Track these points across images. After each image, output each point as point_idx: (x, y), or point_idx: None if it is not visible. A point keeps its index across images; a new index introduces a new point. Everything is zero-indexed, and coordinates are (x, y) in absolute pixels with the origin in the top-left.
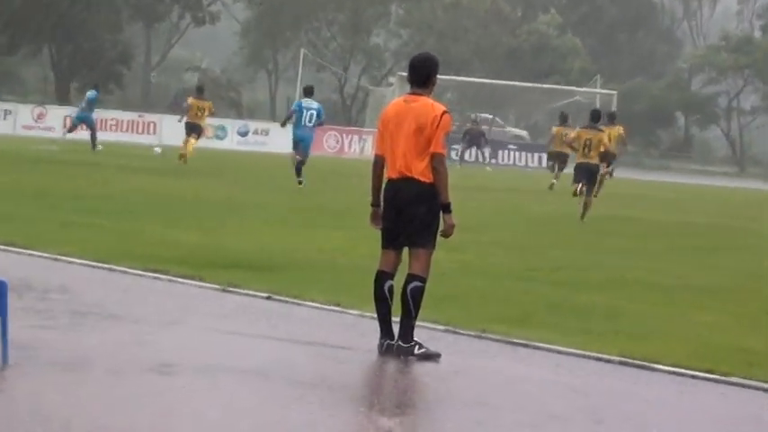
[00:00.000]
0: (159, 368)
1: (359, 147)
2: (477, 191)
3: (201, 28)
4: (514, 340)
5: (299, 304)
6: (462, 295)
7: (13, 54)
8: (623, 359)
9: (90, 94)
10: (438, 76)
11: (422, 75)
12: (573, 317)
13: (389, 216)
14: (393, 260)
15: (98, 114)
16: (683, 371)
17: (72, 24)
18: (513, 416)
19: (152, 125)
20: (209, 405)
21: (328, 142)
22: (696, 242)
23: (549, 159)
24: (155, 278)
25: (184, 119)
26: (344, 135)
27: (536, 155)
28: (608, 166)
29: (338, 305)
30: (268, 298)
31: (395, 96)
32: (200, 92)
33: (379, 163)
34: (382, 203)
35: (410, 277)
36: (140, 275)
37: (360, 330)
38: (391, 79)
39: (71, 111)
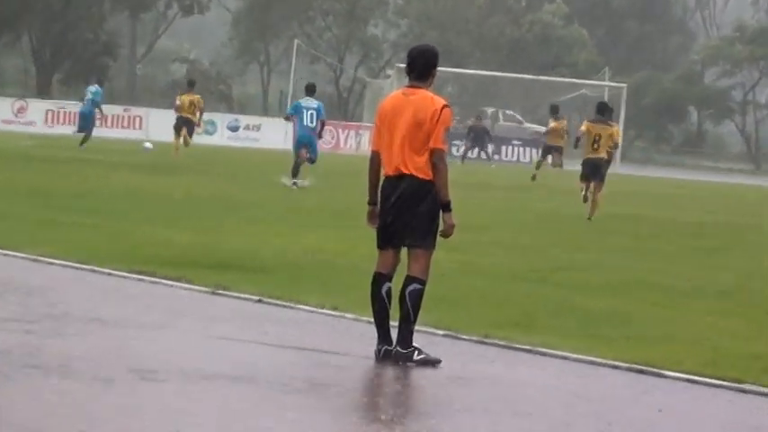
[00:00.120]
0: (144, 374)
1: (355, 142)
2: (479, 188)
3: (190, 18)
4: (517, 345)
5: (291, 308)
6: (463, 298)
7: None
8: (630, 365)
9: (94, 89)
10: (438, 68)
11: (421, 67)
12: (577, 320)
13: (387, 215)
14: (391, 261)
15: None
16: (692, 377)
17: (54, 13)
18: (515, 424)
19: (138, 119)
20: (196, 412)
21: (323, 137)
22: (708, 242)
23: (544, 152)
24: (140, 280)
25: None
26: (340, 130)
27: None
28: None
29: (333, 309)
30: (259, 301)
31: (393, 89)
32: (190, 85)
33: (375, 159)
34: (379, 201)
35: (409, 279)
36: (125, 277)
37: (356, 335)
38: (389, 71)
39: (53, 104)
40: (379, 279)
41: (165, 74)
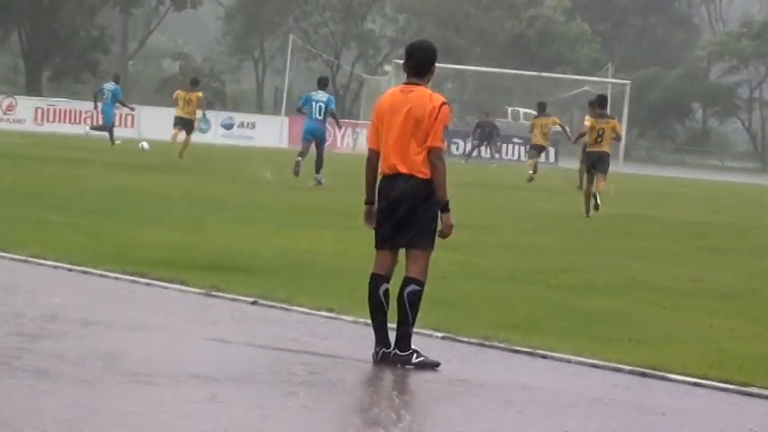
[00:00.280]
0: (136, 377)
1: (352, 140)
2: (479, 188)
3: (182, 13)
4: (517, 347)
5: (287, 309)
6: (462, 299)
7: None
8: (633, 367)
9: (112, 86)
10: (437, 65)
11: (419, 63)
12: (579, 322)
13: (385, 215)
14: (389, 262)
15: (71, 105)
16: (697, 380)
17: (43, 9)
18: (516, 427)
19: (130, 117)
20: (189, 417)
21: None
22: (712, 242)
23: (531, 150)
24: (133, 281)
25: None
26: (337, 127)
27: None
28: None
29: (330, 310)
30: (254, 303)
31: (391, 86)
32: (193, 84)
33: (373, 158)
34: (377, 201)
35: (407, 280)
36: (117, 278)
37: (353, 337)
38: (387, 67)
39: (42, 102)
40: (377, 280)
41: (157, 70)
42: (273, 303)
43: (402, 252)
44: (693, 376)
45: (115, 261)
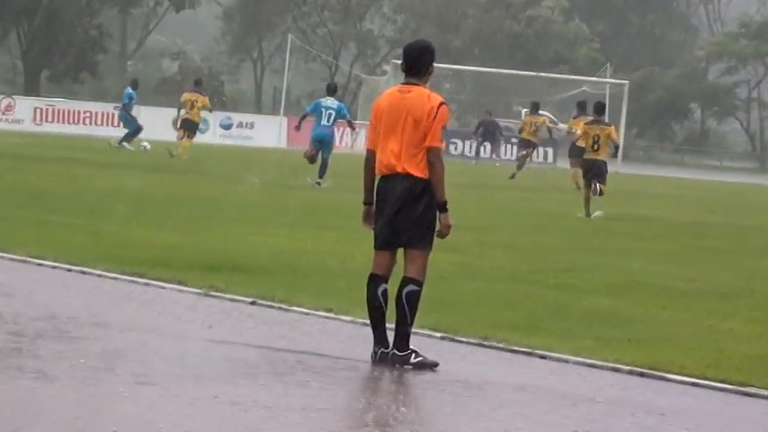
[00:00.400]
0: (135, 377)
1: (350, 140)
2: (479, 187)
3: (181, 13)
4: (516, 347)
5: (286, 310)
6: (461, 300)
7: None
8: (632, 367)
9: (128, 92)
10: (434, 65)
11: (417, 63)
12: (579, 323)
13: (383, 215)
14: (387, 262)
15: (69, 106)
16: (696, 380)
17: (42, 8)
18: (515, 428)
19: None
20: (188, 416)
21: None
22: (711, 243)
23: (520, 147)
24: (131, 281)
25: (182, 114)
26: (335, 128)
27: (540, 149)
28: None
29: (328, 311)
30: (253, 303)
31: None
32: (197, 84)
33: (371, 158)
34: (375, 201)
35: (405, 281)
36: (116, 278)
37: (352, 338)
38: (385, 67)
39: (41, 102)
40: (375, 280)
41: (156, 70)
42: (272, 303)
43: (400, 252)
44: (692, 376)
45: (114, 261)
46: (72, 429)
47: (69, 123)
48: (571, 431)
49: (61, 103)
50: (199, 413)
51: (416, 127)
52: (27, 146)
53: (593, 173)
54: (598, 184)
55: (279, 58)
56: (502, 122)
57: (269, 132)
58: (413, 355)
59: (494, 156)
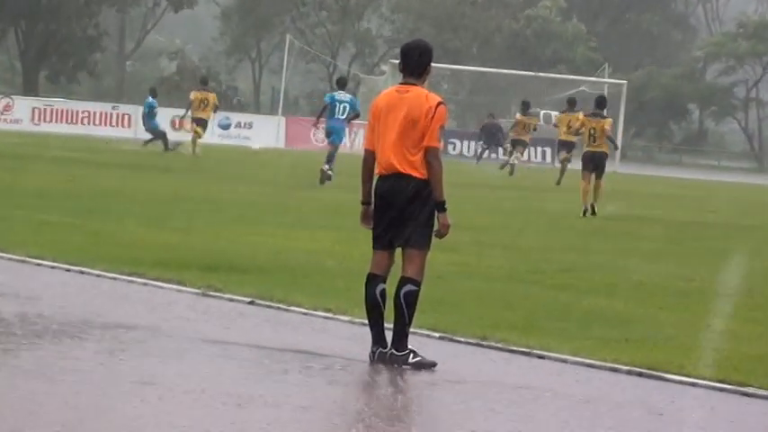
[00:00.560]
0: (134, 377)
1: (349, 140)
2: (478, 187)
3: (179, 12)
4: (514, 347)
5: (284, 309)
6: (460, 300)
7: None
8: (630, 368)
9: (149, 100)
10: (433, 65)
11: (415, 63)
12: (578, 323)
13: (381, 215)
14: (385, 262)
15: (68, 105)
16: (694, 380)
17: (40, 8)
18: (513, 427)
19: (127, 118)
20: (188, 416)
21: (316, 135)
22: (710, 243)
23: (510, 144)
24: (130, 281)
25: (189, 114)
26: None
27: (539, 149)
28: (568, 153)
29: (327, 310)
30: (251, 303)
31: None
32: (203, 83)
33: (369, 158)
34: (373, 201)
35: (404, 280)
36: (115, 279)
37: (350, 337)
38: (384, 67)
39: (39, 102)
40: (374, 280)
41: (154, 70)
42: (270, 303)
43: (399, 252)
44: (690, 376)
45: (113, 261)
46: (72, 429)
47: (68, 123)
48: (568, 430)
49: (60, 103)
50: (197, 413)
51: (414, 127)
52: (25, 146)
53: (594, 164)
54: (596, 206)
55: (277, 58)
56: (503, 122)
57: (267, 132)
58: (411, 354)
59: (493, 156)
